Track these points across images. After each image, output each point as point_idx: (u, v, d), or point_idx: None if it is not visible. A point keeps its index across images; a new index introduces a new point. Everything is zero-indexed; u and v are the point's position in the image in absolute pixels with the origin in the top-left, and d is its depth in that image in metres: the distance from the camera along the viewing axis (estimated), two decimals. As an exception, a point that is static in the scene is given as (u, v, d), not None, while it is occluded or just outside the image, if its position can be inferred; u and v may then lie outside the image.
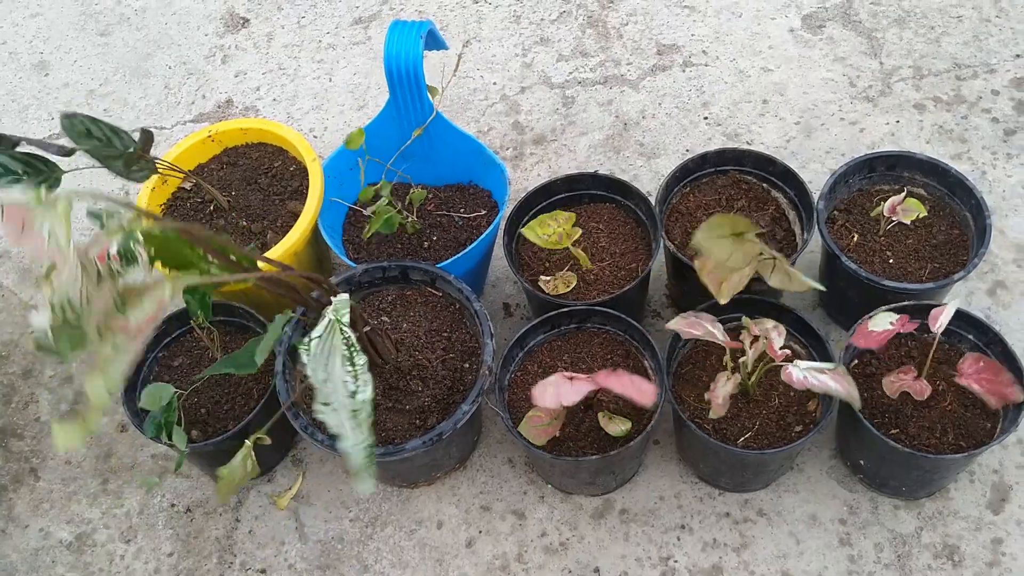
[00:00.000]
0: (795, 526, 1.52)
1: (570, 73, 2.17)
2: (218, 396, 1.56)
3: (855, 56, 2.10)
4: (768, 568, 1.49)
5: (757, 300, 1.50)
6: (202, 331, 1.56)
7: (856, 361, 1.49)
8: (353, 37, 2.32)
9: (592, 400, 1.46)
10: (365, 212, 1.61)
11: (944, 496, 1.53)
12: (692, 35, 2.20)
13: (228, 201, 1.73)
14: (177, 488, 1.67)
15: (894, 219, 1.57)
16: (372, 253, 1.70)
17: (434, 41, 1.62)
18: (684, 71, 2.13)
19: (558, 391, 1.29)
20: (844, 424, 1.51)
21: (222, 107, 2.23)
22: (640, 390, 1.28)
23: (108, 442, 1.73)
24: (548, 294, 1.58)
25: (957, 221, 1.61)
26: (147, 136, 1.46)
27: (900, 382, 1.39)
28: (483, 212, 1.74)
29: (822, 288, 1.33)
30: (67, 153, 1.39)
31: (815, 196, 1.60)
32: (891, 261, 1.57)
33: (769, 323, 1.35)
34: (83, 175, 2.02)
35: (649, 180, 1.94)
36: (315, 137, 2.14)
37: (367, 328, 1.36)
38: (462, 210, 1.75)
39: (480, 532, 1.58)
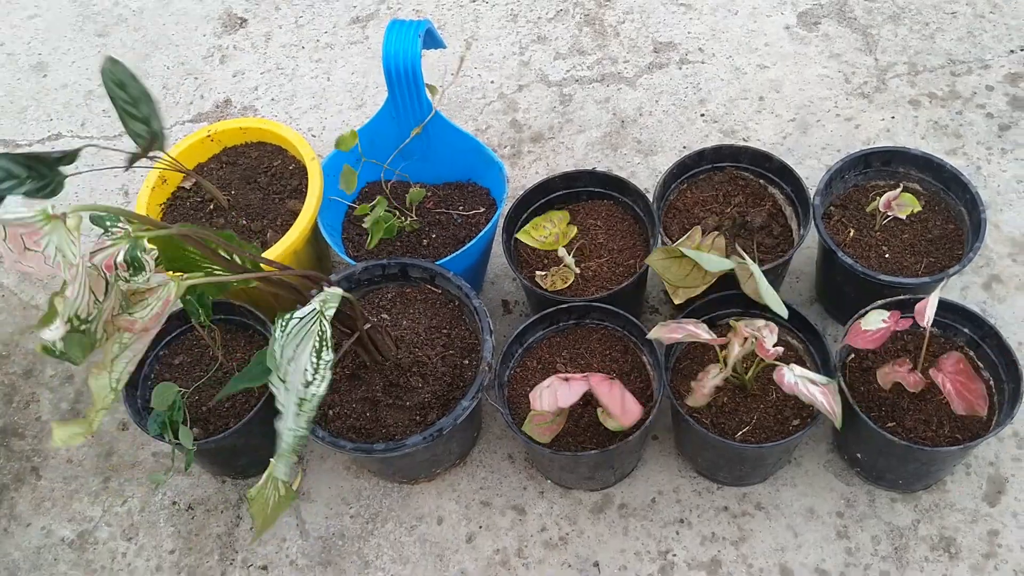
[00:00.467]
0: (793, 519, 1.54)
1: (567, 71, 2.18)
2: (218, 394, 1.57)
3: (850, 53, 2.11)
4: (766, 561, 1.50)
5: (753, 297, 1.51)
6: (203, 329, 1.57)
7: (853, 355, 1.51)
8: (351, 36, 2.33)
9: (591, 395, 1.47)
10: (364, 225, 1.62)
11: (941, 489, 1.54)
12: (688, 33, 2.21)
13: (228, 200, 1.74)
14: (178, 486, 1.68)
15: (890, 214, 1.58)
16: (372, 251, 1.71)
17: (432, 40, 1.63)
18: (681, 68, 2.14)
19: (555, 394, 1.30)
20: (841, 418, 1.52)
21: (221, 107, 2.24)
22: (624, 409, 1.30)
23: (109, 440, 1.74)
24: (546, 290, 1.59)
25: (952, 216, 1.62)
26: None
27: (894, 373, 1.40)
28: (482, 210, 1.75)
29: (784, 313, 1.36)
30: (71, 160, 1.39)
31: (811, 192, 1.61)
32: (887, 256, 1.58)
33: (760, 322, 1.36)
34: (82, 179, 2.02)
35: (646, 177, 1.95)
36: (314, 136, 2.15)
37: (367, 325, 1.37)
38: (461, 208, 1.76)
39: (480, 527, 1.59)
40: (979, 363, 1.48)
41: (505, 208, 1.69)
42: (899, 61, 2.08)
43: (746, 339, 1.35)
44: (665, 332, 1.39)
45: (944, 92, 2.01)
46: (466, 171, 1.79)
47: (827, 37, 2.15)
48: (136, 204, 1.73)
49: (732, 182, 1.70)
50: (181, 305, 1.59)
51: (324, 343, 1.07)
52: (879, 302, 1.47)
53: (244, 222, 1.72)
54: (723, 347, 1.39)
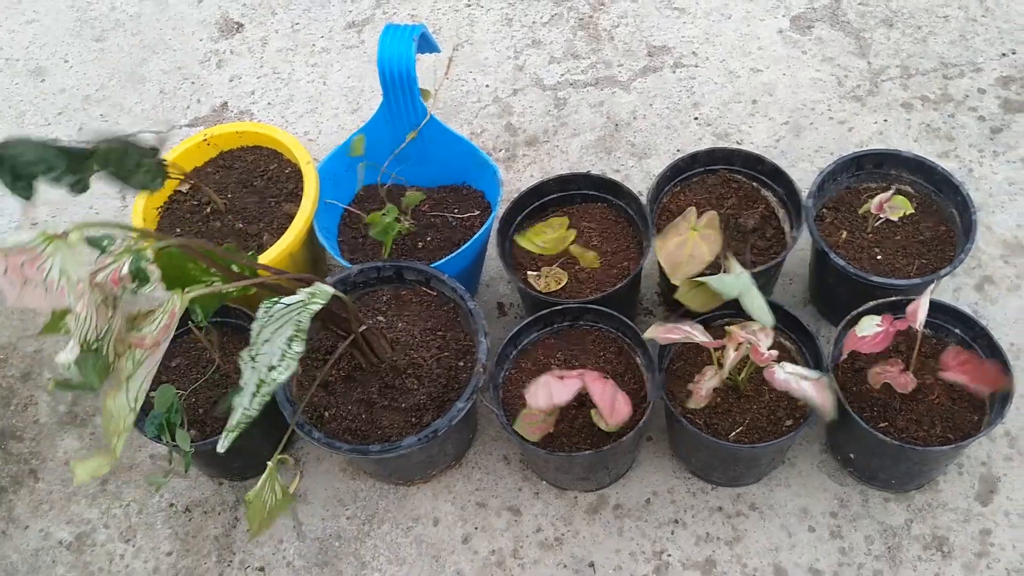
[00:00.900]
0: (787, 519, 1.55)
1: (562, 75, 2.19)
2: (216, 396, 1.58)
3: (843, 56, 2.12)
4: (760, 561, 1.51)
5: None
6: (200, 332, 1.57)
7: (845, 356, 1.51)
8: (347, 41, 2.34)
9: (585, 396, 1.48)
10: (371, 234, 1.64)
11: (933, 488, 1.55)
12: (682, 36, 2.22)
13: (224, 204, 1.75)
14: (176, 488, 1.69)
15: (882, 216, 1.59)
16: (367, 254, 1.72)
17: (427, 44, 1.64)
18: (675, 72, 2.16)
19: (550, 391, 1.31)
20: (833, 411, 1.53)
21: (217, 111, 2.25)
22: (613, 409, 1.31)
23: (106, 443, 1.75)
24: (541, 292, 1.60)
25: (944, 218, 1.63)
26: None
27: (884, 374, 1.41)
28: (476, 213, 1.76)
29: (771, 324, 1.36)
30: (90, 155, 1.38)
31: (804, 194, 1.63)
32: (879, 257, 1.60)
33: (756, 326, 1.37)
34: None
35: (640, 180, 1.97)
36: (310, 140, 2.16)
37: (363, 327, 1.38)
38: (456, 211, 1.77)
39: (476, 528, 1.59)
40: (971, 363, 1.49)
41: (500, 211, 1.70)
42: (892, 64, 2.09)
43: (740, 343, 1.36)
44: (661, 333, 1.39)
45: (936, 95, 2.02)
46: (461, 174, 1.81)
47: (820, 41, 2.16)
48: (133, 208, 1.73)
49: (725, 185, 1.71)
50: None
51: (299, 334, 1.08)
52: (870, 303, 1.48)
53: (240, 225, 1.73)
54: (718, 349, 1.40)
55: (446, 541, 1.59)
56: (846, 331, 1.47)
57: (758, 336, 1.35)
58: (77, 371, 0.99)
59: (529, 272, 1.64)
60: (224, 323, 1.66)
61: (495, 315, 1.83)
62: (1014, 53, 2.07)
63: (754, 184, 1.70)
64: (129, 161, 1.11)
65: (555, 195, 1.73)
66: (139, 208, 1.73)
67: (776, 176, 1.67)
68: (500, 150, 2.07)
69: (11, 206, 2.14)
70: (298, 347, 1.07)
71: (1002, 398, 1.40)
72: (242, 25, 2.42)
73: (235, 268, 1.19)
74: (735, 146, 1.89)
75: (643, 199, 1.69)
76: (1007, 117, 1.96)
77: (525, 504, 1.61)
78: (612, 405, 1.32)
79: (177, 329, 1.64)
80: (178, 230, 1.73)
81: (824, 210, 1.66)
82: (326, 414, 1.48)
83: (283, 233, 1.65)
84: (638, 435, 1.45)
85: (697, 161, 1.71)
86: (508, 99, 2.16)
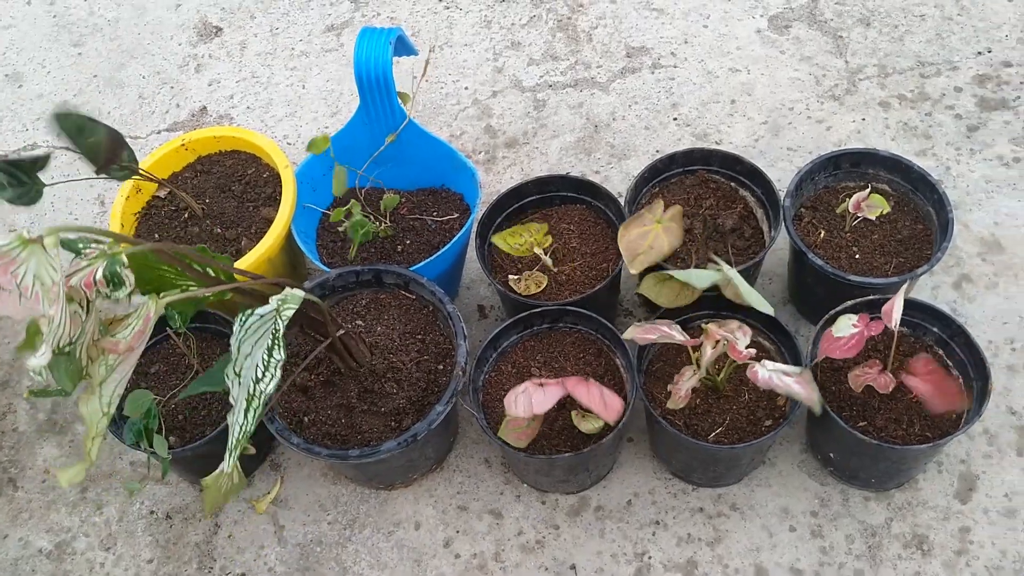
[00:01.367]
0: (768, 519, 1.55)
1: (541, 77, 2.19)
2: (195, 402, 1.57)
3: (821, 56, 2.13)
4: (742, 561, 1.51)
5: (726, 298, 1.52)
6: (179, 338, 1.57)
7: (823, 356, 1.52)
8: (326, 44, 2.34)
9: (565, 399, 1.48)
10: (340, 230, 1.63)
11: (913, 487, 1.55)
12: (661, 37, 2.22)
13: (202, 209, 1.74)
14: (156, 495, 1.68)
15: (859, 215, 1.60)
16: (346, 258, 1.72)
17: (404, 47, 1.64)
18: (653, 73, 2.16)
19: (530, 400, 1.31)
20: (814, 418, 1.53)
21: (196, 116, 2.24)
22: (607, 405, 1.31)
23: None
24: (520, 295, 1.60)
25: (921, 216, 1.63)
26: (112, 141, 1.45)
27: (864, 376, 1.41)
28: (455, 215, 1.76)
29: (770, 311, 1.37)
30: (42, 166, 1.39)
31: (782, 194, 1.63)
32: (857, 256, 1.60)
33: (734, 324, 1.38)
34: (58, 189, 2.02)
35: (620, 181, 1.97)
36: (289, 144, 2.15)
37: (340, 332, 1.38)
38: (435, 214, 1.77)
39: (457, 532, 1.59)
40: (948, 361, 1.49)
41: (479, 213, 1.70)
42: (869, 63, 2.10)
43: (718, 341, 1.36)
44: (640, 333, 1.40)
45: (913, 94, 2.03)
46: (439, 177, 1.80)
47: (798, 40, 2.17)
48: (111, 214, 1.73)
49: (703, 185, 1.71)
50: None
51: (277, 342, 1.07)
52: (848, 303, 1.48)
53: (218, 230, 1.72)
54: (696, 348, 1.40)
55: (427, 545, 1.59)
56: (824, 330, 1.47)
57: (736, 334, 1.36)
58: (49, 375, 0.98)
59: (510, 276, 1.64)
60: (203, 329, 1.65)
61: (476, 318, 1.83)
62: (990, 51, 2.08)
63: (732, 184, 1.71)
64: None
65: (534, 197, 1.73)
66: (116, 213, 1.72)
67: (754, 176, 1.67)
68: (480, 152, 2.07)
69: (-12, 213, 2.12)
70: (278, 355, 1.07)
71: (979, 396, 1.41)
72: (221, 29, 2.41)
73: (211, 272, 1.18)
74: (713, 146, 1.89)
75: (622, 200, 1.69)
76: (983, 115, 1.97)
77: (507, 507, 1.61)
78: (603, 403, 1.32)
79: (156, 335, 1.65)
80: (156, 235, 1.73)
81: (802, 210, 1.67)
82: (305, 419, 1.48)
83: (261, 238, 1.64)
84: (618, 436, 1.45)
85: (675, 162, 1.72)
86: (487, 101, 2.16)
